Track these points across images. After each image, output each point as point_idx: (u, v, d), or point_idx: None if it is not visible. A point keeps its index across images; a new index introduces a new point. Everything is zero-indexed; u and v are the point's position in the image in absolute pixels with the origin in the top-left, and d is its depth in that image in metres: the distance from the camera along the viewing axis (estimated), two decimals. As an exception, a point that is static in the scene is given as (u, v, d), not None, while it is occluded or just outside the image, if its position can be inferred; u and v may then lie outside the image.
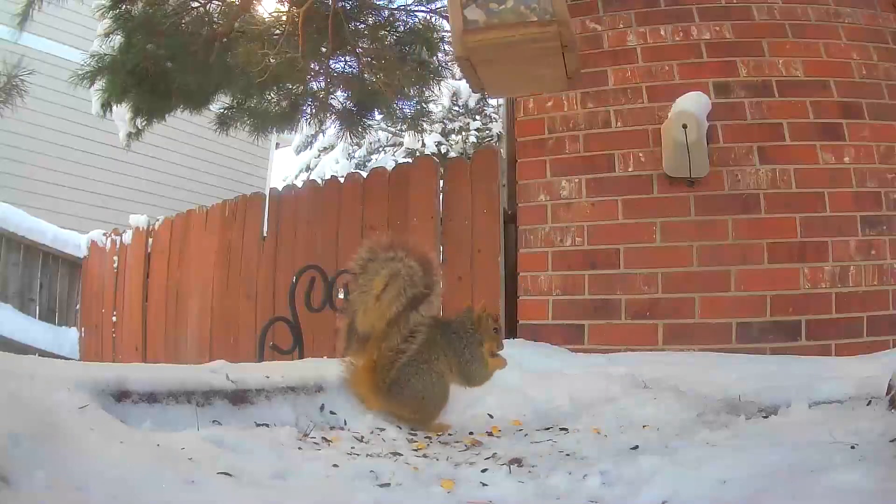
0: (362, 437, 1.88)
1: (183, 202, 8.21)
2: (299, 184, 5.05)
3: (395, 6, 4.65)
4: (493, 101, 11.46)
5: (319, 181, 4.69)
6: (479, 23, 2.19)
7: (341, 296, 2.82)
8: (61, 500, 1.04)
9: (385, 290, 2.07)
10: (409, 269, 2.11)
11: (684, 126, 3.16)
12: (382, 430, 1.98)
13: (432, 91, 4.90)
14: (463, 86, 11.01)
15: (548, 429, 2.06)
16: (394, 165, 4.46)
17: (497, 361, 2.22)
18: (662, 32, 3.56)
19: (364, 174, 4.42)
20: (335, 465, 1.47)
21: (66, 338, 6.16)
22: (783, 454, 1.32)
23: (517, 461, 1.55)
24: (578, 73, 2.36)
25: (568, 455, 1.67)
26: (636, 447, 1.66)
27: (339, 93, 4.96)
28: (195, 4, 4.25)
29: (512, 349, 3.05)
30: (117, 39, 4.27)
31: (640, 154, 3.44)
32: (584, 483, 1.35)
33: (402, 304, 2.09)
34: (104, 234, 6.10)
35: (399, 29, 4.51)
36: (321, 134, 12.46)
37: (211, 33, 4.16)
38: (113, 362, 5.17)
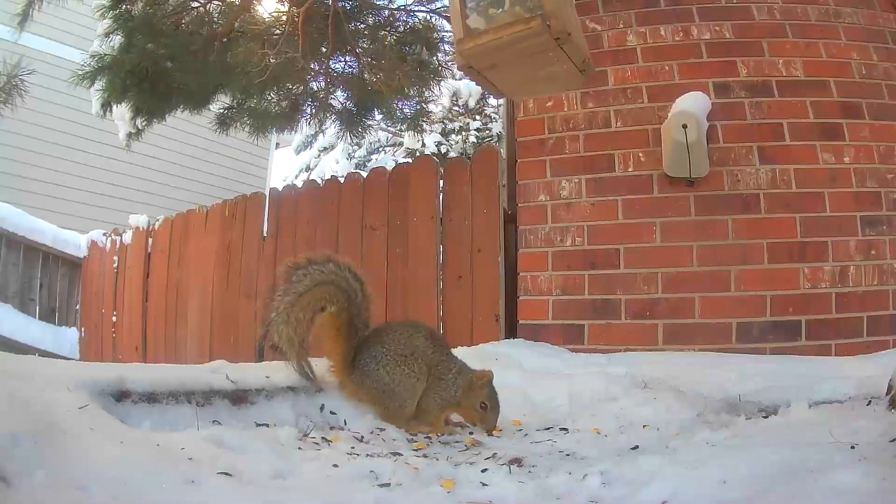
0: (362, 437, 1.88)
1: (183, 202, 8.21)
2: (299, 184, 5.04)
3: (395, 6, 4.65)
4: (493, 101, 11.47)
5: (319, 181, 4.69)
6: (479, 30, 2.17)
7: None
8: (61, 500, 1.04)
9: (296, 306, 2.04)
10: (336, 276, 2.11)
11: (684, 126, 3.16)
12: (382, 430, 1.98)
13: (432, 91, 4.89)
14: (463, 86, 11.02)
15: (548, 429, 2.06)
16: (394, 165, 4.46)
17: (447, 430, 2.10)
18: (662, 32, 3.56)
19: (364, 174, 4.41)
20: (335, 465, 1.47)
21: (66, 338, 6.16)
22: (783, 454, 1.32)
23: (517, 461, 1.55)
24: (589, 65, 2.28)
25: (568, 455, 1.67)
26: (636, 447, 1.67)
27: (339, 93, 4.95)
28: (195, 4, 4.25)
29: (512, 349, 3.07)
30: (117, 39, 4.27)
31: (640, 154, 3.44)
32: (584, 483, 1.35)
33: (310, 318, 2.06)
34: (104, 234, 6.10)
35: (399, 29, 4.50)
36: (321, 134, 12.47)
37: (211, 33, 4.16)
38: (113, 362, 5.17)
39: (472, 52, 2.16)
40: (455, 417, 2.19)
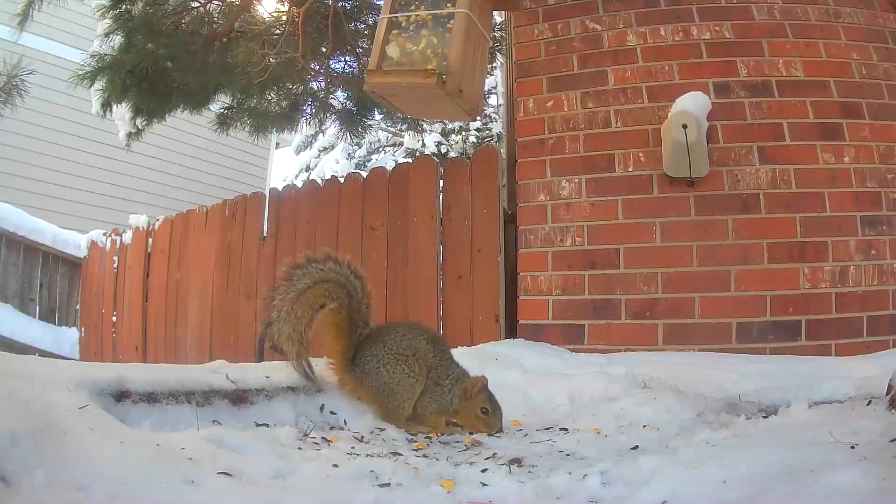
0: (362, 437, 1.87)
1: (183, 202, 8.21)
2: (299, 184, 5.05)
3: (395, 6, 4.65)
4: (493, 101, 11.46)
5: (319, 181, 4.69)
6: (393, 60, 2.47)
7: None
8: (61, 500, 1.04)
9: (297, 304, 2.04)
10: (336, 273, 2.12)
11: (684, 126, 3.16)
12: (382, 430, 1.98)
13: (432, 91, 4.89)
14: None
15: (548, 429, 2.06)
16: (394, 165, 4.46)
17: (448, 430, 2.08)
18: (662, 32, 3.56)
19: (364, 174, 4.42)
20: (335, 465, 1.47)
21: (66, 338, 6.16)
22: (783, 454, 1.32)
23: (517, 461, 1.55)
24: (477, 110, 2.66)
25: (568, 455, 1.67)
26: (636, 447, 1.66)
27: (339, 93, 4.96)
28: (195, 4, 4.25)
29: (512, 349, 3.07)
30: (117, 39, 4.28)
31: (640, 154, 3.44)
32: (584, 483, 1.35)
33: (311, 316, 2.07)
34: (104, 234, 6.10)
35: (399, 29, 4.50)
36: (321, 134, 12.46)
37: (211, 33, 4.16)
38: (113, 362, 5.17)
39: (377, 85, 2.51)
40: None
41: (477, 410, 2.05)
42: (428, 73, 2.34)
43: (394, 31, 2.51)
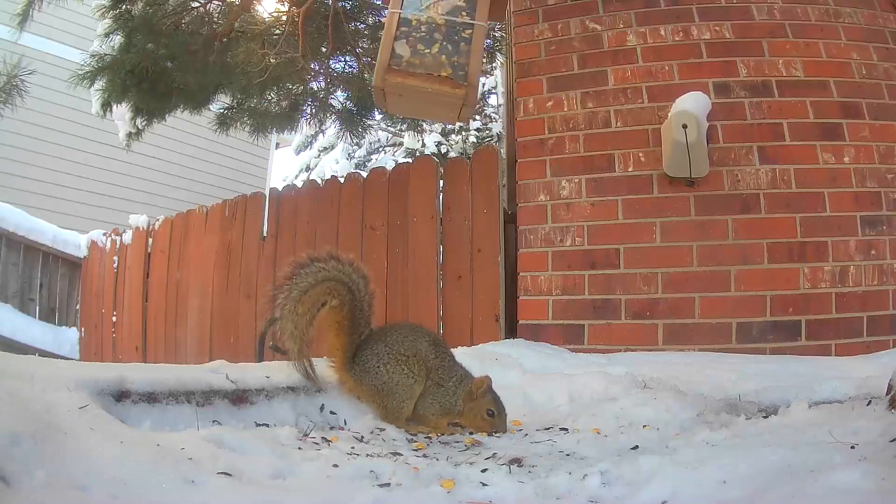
0: (362, 437, 1.87)
1: (183, 202, 8.22)
2: (299, 184, 5.05)
3: (395, 6, 4.65)
4: (492, 101, 11.46)
5: (319, 181, 4.69)
6: (403, 58, 2.41)
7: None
8: (61, 500, 1.04)
9: (300, 302, 2.05)
10: (339, 272, 2.12)
11: (684, 126, 3.16)
12: (382, 430, 1.98)
13: (432, 91, 4.89)
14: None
15: (548, 429, 2.06)
16: (394, 165, 4.46)
17: (448, 430, 2.08)
18: (662, 32, 3.56)
19: (364, 174, 4.42)
20: (335, 465, 1.47)
21: (66, 338, 6.16)
22: (783, 454, 1.32)
23: (517, 461, 1.55)
24: (467, 118, 2.72)
25: (568, 455, 1.67)
26: (636, 447, 1.66)
27: (339, 93, 4.96)
28: (195, 4, 4.25)
29: (512, 349, 3.07)
30: (117, 39, 4.28)
31: (640, 154, 3.44)
32: (584, 483, 1.35)
33: (313, 314, 2.07)
34: (104, 234, 6.10)
35: (399, 29, 4.50)
36: (321, 134, 12.46)
37: (211, 33, 4.16)
38: (113, 362, 5.17)
39: (395, 84, 2.40)
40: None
41: (483, 412, 2.05)
42: (457, 83, 2.34)
43: (402, 29, 2.44)
